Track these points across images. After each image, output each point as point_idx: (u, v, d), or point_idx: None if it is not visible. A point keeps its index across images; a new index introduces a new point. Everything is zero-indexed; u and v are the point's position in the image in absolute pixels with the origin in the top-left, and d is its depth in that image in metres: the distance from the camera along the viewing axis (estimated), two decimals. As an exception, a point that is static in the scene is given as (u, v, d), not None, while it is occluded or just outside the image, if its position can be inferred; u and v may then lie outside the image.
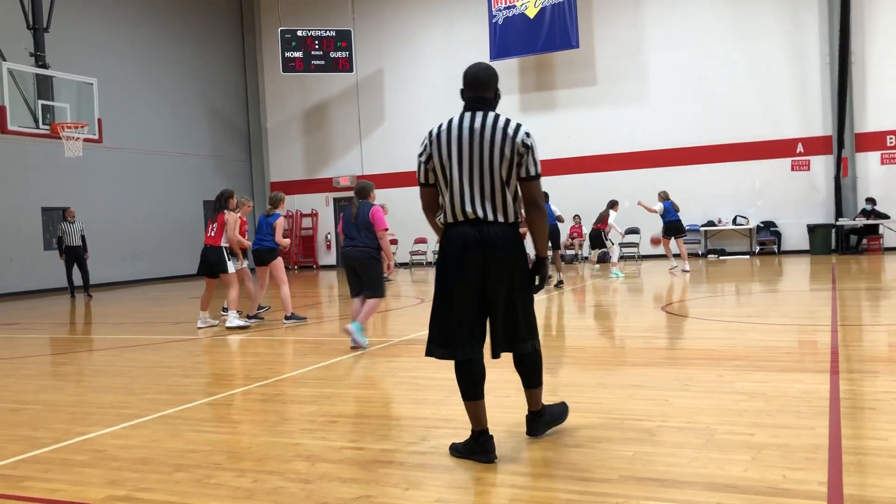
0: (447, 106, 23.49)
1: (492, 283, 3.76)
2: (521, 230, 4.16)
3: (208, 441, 4.45)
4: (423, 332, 8.72)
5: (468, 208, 3.76)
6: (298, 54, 23.08)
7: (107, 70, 19.34)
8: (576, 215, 21.28)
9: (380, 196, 23.85)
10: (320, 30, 23.28)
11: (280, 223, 10.12)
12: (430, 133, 3.87)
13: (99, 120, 16.27)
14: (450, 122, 3.84)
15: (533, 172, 3.78)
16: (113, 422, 5.04)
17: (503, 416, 4.68)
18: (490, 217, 3.75)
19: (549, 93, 22.26)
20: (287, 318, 10.11)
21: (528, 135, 3.78)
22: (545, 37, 21.03)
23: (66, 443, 4.57)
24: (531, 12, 21.14)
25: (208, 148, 24.37)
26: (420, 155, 3.90)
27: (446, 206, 3.84)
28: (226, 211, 9.95)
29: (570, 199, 20.48)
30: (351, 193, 24.50)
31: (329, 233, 25.47)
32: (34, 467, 4.10)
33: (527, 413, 4.17)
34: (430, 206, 3.98)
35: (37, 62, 15.58)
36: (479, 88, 3.88)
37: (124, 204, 20.98)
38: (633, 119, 21.26)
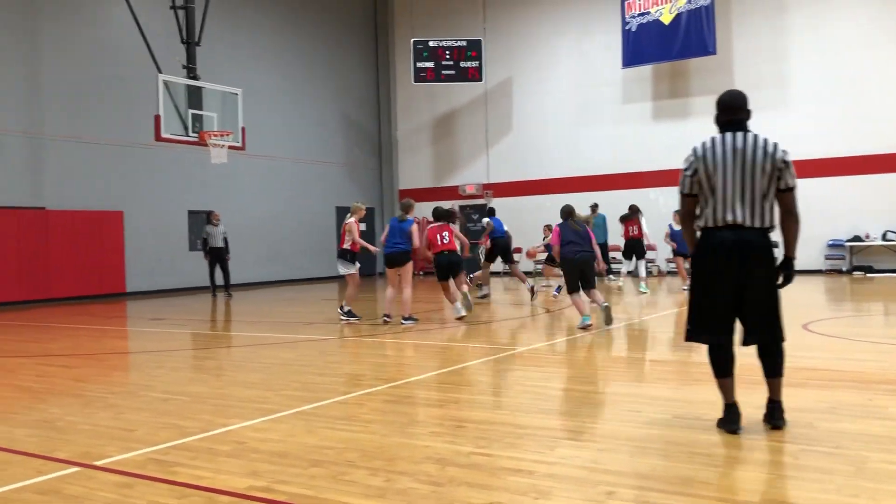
0: (577, 114, 23.46)
1: (748, 281, 4.34)
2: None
3: (341, 439, 4.58)
4: (546, 343, 8.68)
5: (729, 216, 4.32)
6: (429, 64, 23.45)
7: (249, 81, 20.33)
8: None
9: (506, 205, 24.17)
10: (451, 40, 23.56)
11: (415, 229, 10.90)
12: (696, 150, 4.46)
13: (242, 128, 17.12)
14: (713, 140, 4.43)
15: (791, 184, 4.35)
16: (252, 415, 5.28)
17: (633, 429, 4.58)
18: (748, 223, 4.31)
19: (682, 100, 21.59)
20: (405, 318, 10.66)
21: (784, 152, 4.35)
22: (681, 43, 20.40)
23: (210, 433, 4.82)
24: (666, 19, 20.59)
25: (342, 156, 25.17)
26: (686, 170, 4.48)
27: (708, 213, 4.40)
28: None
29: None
30: (475, 202, 24.91)
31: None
32: (182, 454, 4.36)
33: (767, 401, 4.66)
34: (692, 214, 4.54)
35: (188, 74, 16.59)
36: (736, 111, 4.47)
37: (263, 208, 21.98)
38: (772, 128, 20.04)
